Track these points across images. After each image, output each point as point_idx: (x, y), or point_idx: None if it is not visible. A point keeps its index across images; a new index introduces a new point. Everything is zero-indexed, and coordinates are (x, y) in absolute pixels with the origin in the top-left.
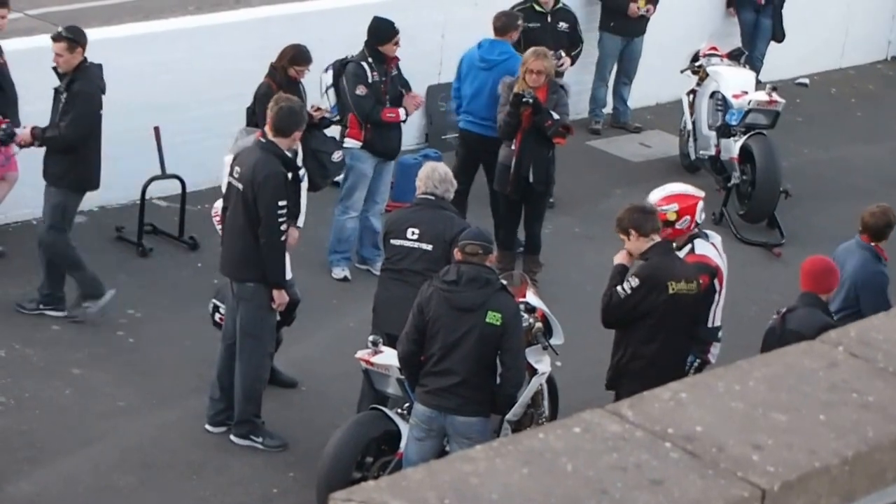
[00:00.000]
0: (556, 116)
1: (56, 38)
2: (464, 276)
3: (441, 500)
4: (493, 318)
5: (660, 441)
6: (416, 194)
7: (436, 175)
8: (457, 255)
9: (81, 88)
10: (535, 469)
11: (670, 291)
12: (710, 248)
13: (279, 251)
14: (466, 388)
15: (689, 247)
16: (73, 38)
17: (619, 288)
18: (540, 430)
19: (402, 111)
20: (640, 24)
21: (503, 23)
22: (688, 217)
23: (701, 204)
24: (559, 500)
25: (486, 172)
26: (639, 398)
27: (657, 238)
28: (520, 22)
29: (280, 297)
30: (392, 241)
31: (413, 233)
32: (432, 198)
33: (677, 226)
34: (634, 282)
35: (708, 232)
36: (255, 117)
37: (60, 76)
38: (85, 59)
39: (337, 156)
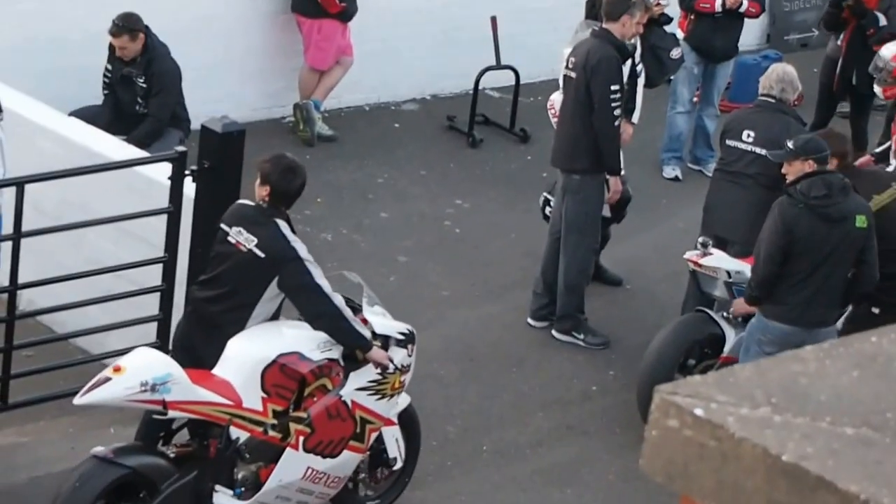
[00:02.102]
0: (882, 22)
1: (116, 33)
2: (833, 186)
3: (768, 399)
4: (861, 220)
5: None
6: (758, 95)
7: (773, 75)
8: (806, 166)
9: (164, 69)
10: (866, 372)
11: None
12: None
13: (613, 137)
14: (829, 298)
15: None
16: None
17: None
18: (873, 334)
19: (718, 2)
20: None
21: None
22: None
23: None
24: (890, 404)
25: None
26: None
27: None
28: None
29: (615, 184)
30: (728, 142)
31: (749, 135)
32: (772, 100)
33: None
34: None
35: None
36: (594, 10)
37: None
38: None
39: (675, 53)
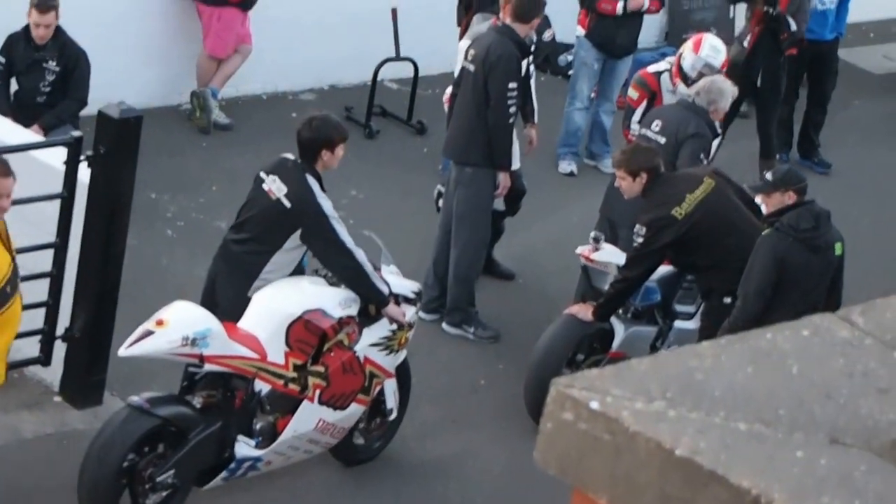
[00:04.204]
0: (793, 27)
1: (44, 9)
2: (820, 216)
3: (663, 393)
4: (839, 248)
5: (889, 350)
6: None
7: (701, 81)
8: (786, 198)
9: (79, 51)
10: (760, 368)
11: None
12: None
13: (507, 133)
14: None
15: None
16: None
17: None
18: (768, 331)
19: (620, 5)
20: None
21: None
22: None
23: None
24: (782, 400)
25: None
26: (870, 305)
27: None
28: None
29: (504, 180)
30: (641, 131)
31: (657, 124)
32: (689, 100)
33: None
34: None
35: None
36: None
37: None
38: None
39: (547, 35)
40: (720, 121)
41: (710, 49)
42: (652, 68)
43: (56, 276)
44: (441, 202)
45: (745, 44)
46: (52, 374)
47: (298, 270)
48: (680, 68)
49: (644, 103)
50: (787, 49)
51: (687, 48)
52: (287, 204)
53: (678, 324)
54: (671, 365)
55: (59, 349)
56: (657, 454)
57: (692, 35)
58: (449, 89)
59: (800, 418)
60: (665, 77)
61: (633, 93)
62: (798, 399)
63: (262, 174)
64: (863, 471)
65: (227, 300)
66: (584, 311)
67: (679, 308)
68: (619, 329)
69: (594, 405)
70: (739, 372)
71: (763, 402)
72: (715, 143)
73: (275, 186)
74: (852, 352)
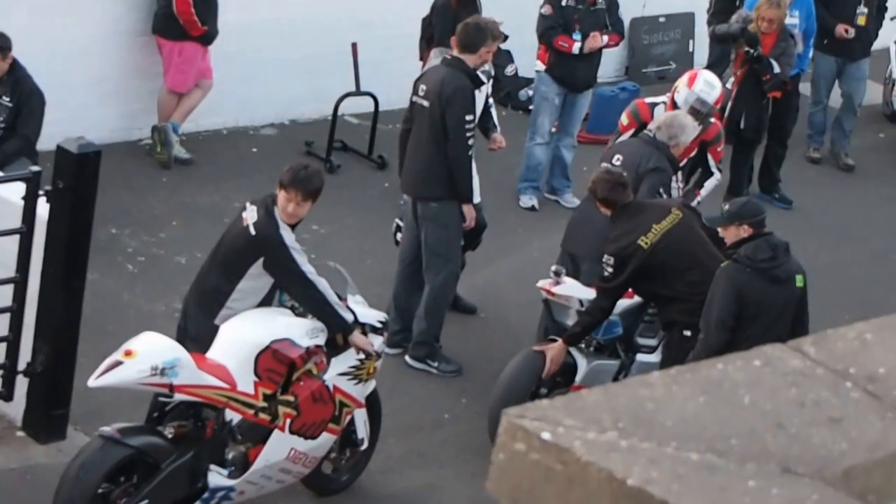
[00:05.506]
0: (776, 69)
1: None
2: (777, 247)
3: (615, 423)
4: (800, 280)
5: (841, 380)
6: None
7: (662, 116)
8: (741, 231)
9: (32, 88)
10: (712, 399)
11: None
12: None
13: (467, 166)
14: None
15: None
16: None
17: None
18: (719, 361)
19: (577, 44)
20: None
21: None
22: None
23: None
24: (734, 430)
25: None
26: (822, 336)
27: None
28: None
29: (469, 212)
30: (602, 165)
31: (618, 159)
32: (650, 135)
33: None
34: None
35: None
36: (430, 29)
37: None
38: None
39: (510, 69)
40: (680, 158)
41: (704, 84)
42: (649, 99)
43: (17, 311)
44: (399, 235)
45: (729, 85)
46: (15, 409)
47: (267, 301)
48: (674, 102)
49: (631, 132)
50: (769, 91)
51: (682, 82)
52: (252, 231)
53: (640, 357)
54: (623, 395)
55: (22, 384)
56: (609, 484)
57: (652, 68)
58: None
59: (752, 448)
60: (660, 110)
61: (624, 119)
62: (750, 429)
63: (247, 204)
64: (815, 500)
65: (196, 327)
66: (558, 353)
67: (641, 341)
68: (582, 363)
69: (546, 436)
70: (691, 402)
71: (715, 432)
72: (714, 181)
73: (249, 215)
74: (804, 381)
